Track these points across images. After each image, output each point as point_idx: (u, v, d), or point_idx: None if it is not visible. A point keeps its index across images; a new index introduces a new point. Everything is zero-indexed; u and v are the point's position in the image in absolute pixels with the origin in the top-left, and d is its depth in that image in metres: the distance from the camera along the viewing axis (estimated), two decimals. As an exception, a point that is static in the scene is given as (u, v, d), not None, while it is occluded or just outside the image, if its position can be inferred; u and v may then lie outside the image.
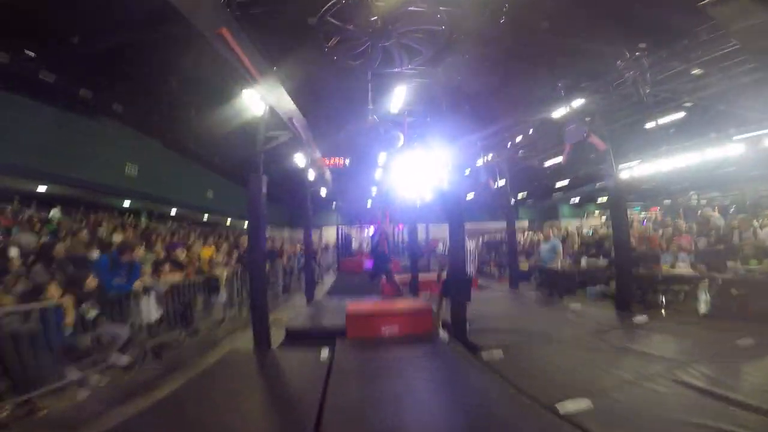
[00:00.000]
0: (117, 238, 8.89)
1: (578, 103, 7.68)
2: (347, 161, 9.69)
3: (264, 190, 5.13)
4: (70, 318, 3.55)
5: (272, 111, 5.12)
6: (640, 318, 5.59)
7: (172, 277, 5.62)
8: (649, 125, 10.06)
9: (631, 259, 6.51)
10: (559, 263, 7.99)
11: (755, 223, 7.24)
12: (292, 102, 5.27)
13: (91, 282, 3.89)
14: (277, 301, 9.61)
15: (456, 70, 5.72)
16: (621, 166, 15.34)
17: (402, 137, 6.86)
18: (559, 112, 8.44)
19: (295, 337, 5.78)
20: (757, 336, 4.16)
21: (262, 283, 5.10)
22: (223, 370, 4.19)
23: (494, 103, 7.68)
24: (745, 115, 8.28)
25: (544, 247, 8.28)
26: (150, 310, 4.88)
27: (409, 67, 4.26)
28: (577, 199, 25.77)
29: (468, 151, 9.06)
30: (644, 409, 2.86)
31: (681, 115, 9.69)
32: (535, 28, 5.57)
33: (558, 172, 20.90)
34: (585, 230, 21.09)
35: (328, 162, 9.71)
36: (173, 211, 16.67)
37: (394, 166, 8.13)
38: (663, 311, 6.52)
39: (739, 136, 9.71)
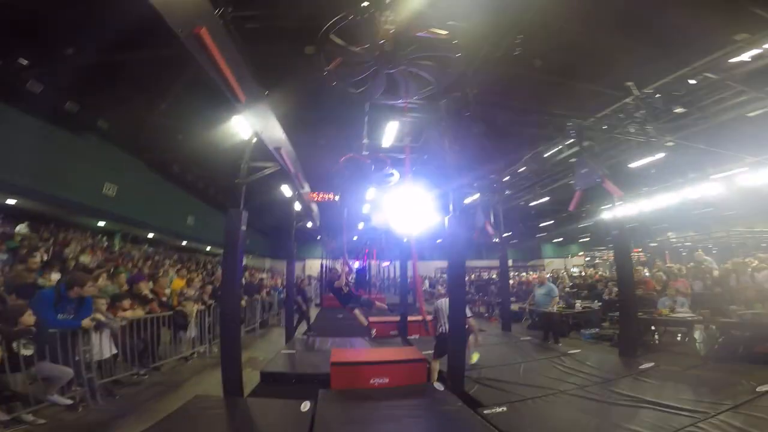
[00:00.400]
0: (85, 259, 8.14)
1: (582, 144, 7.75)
2: (337, 197, 9.24)
3: (243, 226, 4.64)
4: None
5: (258, 139, 4.70)
6: (647, 365, 5.26)
7: (131, 314, 4.96)
8: (634, 165, 10.09)
9: (635, 302, 6.21)
10: (555, 307, 7.65)
11: (750, 267, 7.14)
12: (281, 130, 4.88)
13: (28, 318, 3.27)
14: (253, 337, 8.86)
15: (460, 105, 5.47)
16: (602, 207, 15.55)
17: (397, 175, 6.56)
18: (549, 151, 8.46)
19: (271, 383, 5.12)
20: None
21: (235, 326, 4.49)
22: (185, 420, 3.51)
23: (494, 141, 7.51)
24: (723, 154, 8.39)
25: (539, 292, 7.99)
26: (102, 347, 4.22)
27: (414, 98, 3.98)
28: (560, 239, 25.92)
29: (464, 190, 8.83)
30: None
31: (662, 155, 9.75)
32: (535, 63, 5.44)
33: (542, 212, 21.07)
34: (572, 269, 21.02)
35: (316, 197, 9.27)
36: (150, 235, 15.80)
37: (385, 201, 7.77)
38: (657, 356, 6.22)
39: (717, 175, 9.91)
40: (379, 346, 6.89)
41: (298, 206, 9.15)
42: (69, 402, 3.74)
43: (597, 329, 8.36)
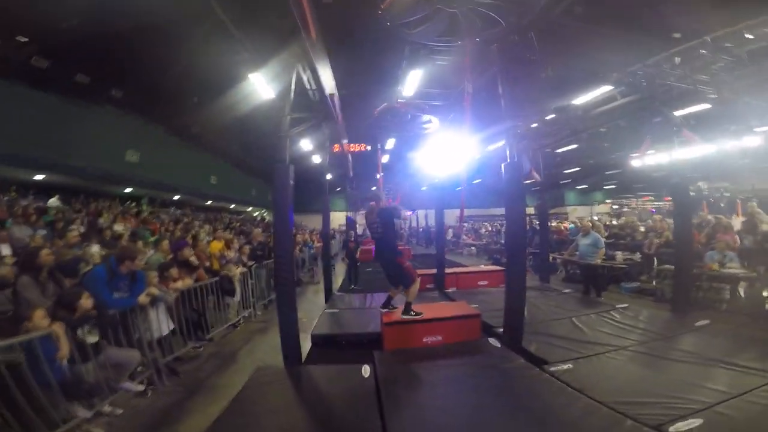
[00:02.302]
0: (118, 227, 8.12)
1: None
2: (368, 147, 8.76)
3: (291, 181, 4.32)
4: (64, 349, 2.79)
5: (314, 85, 4.22)
6: (702, 321, 5.03)
7: (182, 284, 4.85)
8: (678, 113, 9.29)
9: (692, 256, 5.85)
10: (600, 259, 7.26)
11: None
12: (332, 76, 4.37)
13: (86, 301, 3.12)
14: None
15: (518, 49, 4.80)
16: (631, 155, 14.70)
17: (436, 121, 6.04)
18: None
19: (322, 346, 5.08)
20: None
21: (291, 290, 4.31)
22: (255, 397, 3.45)
23: (533, 86, 6.83)
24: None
25: (583, 242, 7.51)
26: (160, 323, 4.12)
27: (477, 39, 3.41)
28: (584, 186, 25.10)
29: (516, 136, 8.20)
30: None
31: (706, 106, 8.87)
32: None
33: (567, 159, 20.16)
34: (594, 217, 20.41)
35: (355, 147, 8.80)
36: (176, 197, 15.85)
37: (422, 149, 7.22)
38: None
39: (760, 128, 9.23)
40: (421, 302, 6.81)
41: (318, 158, 8.71)
42: (141, 388, 3.64)
43: (637, 283, 8.06)
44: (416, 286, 4.83)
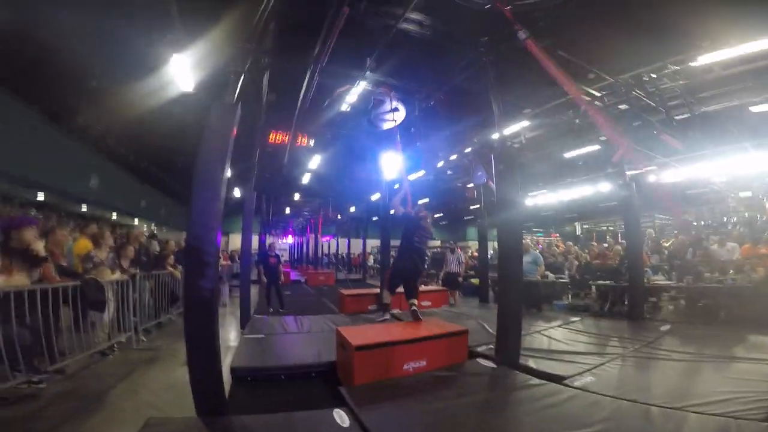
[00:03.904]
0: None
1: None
2: (312, 142, 7.18)
3: (236, 122, 2.76)
4: None
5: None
6: (666, 326, 5.03)
7: (5, 281, 2.68)
8: (569, 155, 10.02)
9: (642, 272, 5.82)
10: (539, 276, 6.94)
11: (707, 241, 7.25)
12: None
13: None
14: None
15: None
16: (529, 193, 16.06)
17: (403, 111, 5.08)
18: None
19: (249, 383, 3.34)
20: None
21: (209, 302, 2.56)
22: None
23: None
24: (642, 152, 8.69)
25: (525, 259, 7.20)
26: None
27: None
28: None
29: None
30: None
31: (596, 147, 9.78)
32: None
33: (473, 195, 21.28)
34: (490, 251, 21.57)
35: (302, 140, 7.04)
36: (40, 197, 11.43)
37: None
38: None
39: (630, 172, 10.46)
40: (364, 322, 5.43)
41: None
42: None
43: (568, 301, 8.03)
44: None
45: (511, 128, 7.35)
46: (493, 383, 3.02)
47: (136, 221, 17.39)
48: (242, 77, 3.18)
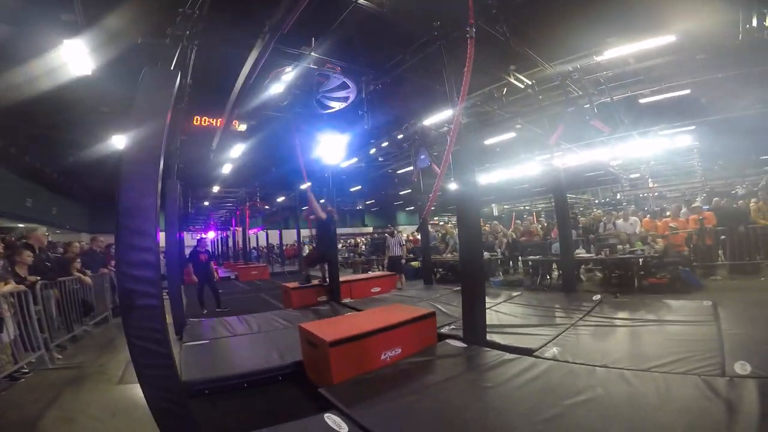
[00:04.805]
0: None
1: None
2: (243, 127, 6.30)
3: (174, 91, 2.26)
4: None
5: None
6: (597, 296, 5.31)
7: None
8: (489, 141, 10.75)
9: (572, 247, 6.38)
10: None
11: (612, 216, 8.34)
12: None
13: None
14: (108, 329, 5.55)
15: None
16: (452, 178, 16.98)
17: (353, 89, 4.78)
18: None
19: (205, 395, 2.91)
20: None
21: (155, 303, 2.08)
22: None
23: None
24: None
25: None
26: None
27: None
28: (411, 208, 27.60)
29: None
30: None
31: (512, 135, 10.60)
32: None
33: (403, 180, 21.75)
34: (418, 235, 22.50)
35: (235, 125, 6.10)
36: None
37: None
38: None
39: (540, 157, 11.58)
40: (330, 315, 5.17)
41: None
42: None
43: (502, 277, 8.60)
44: None
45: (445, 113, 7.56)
46: (471, 362, 3.03)
47: (21, 225, 14.00)
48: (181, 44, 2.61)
